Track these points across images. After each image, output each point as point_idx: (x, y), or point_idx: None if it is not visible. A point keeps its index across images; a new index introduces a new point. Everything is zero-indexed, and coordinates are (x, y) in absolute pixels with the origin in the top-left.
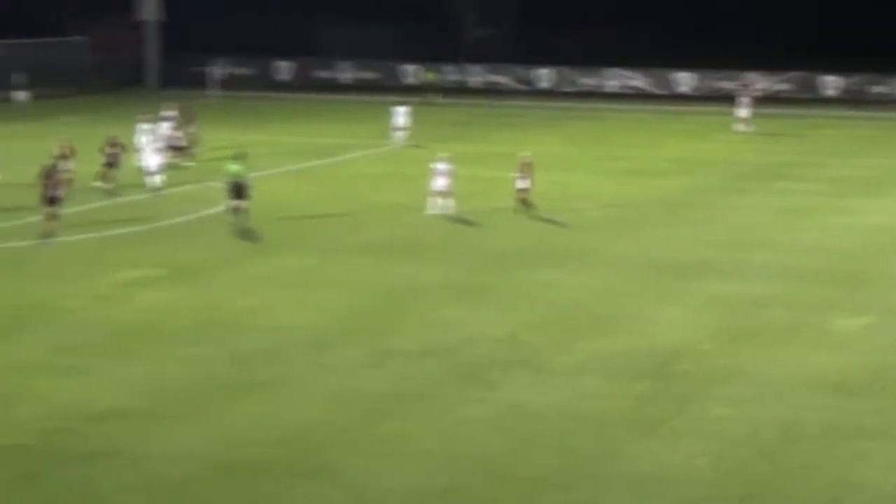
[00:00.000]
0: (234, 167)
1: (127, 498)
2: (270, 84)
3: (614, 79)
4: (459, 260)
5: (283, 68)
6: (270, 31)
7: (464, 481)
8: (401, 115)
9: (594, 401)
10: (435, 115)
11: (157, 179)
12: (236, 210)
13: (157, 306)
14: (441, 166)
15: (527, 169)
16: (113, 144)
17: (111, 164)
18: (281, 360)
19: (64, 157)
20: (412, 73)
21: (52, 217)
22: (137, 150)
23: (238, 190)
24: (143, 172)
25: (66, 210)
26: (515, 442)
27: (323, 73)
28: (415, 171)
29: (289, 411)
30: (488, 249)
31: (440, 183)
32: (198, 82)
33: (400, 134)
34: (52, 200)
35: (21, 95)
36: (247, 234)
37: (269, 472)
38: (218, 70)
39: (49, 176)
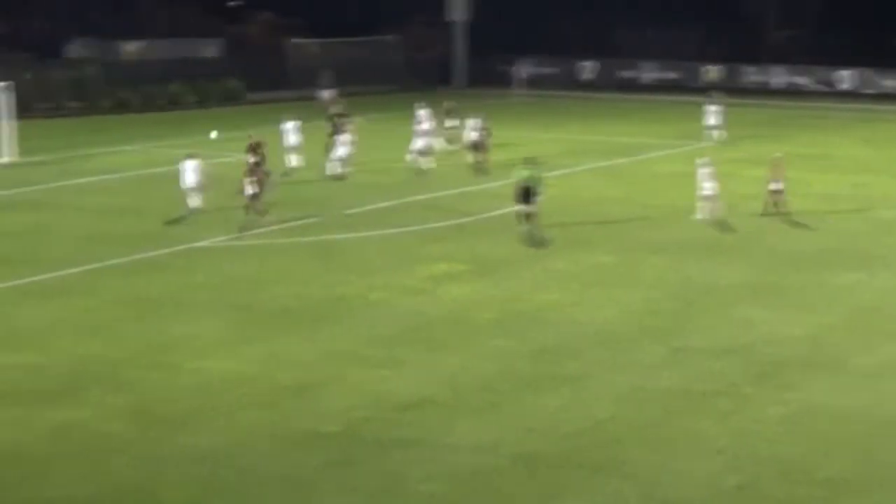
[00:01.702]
0: (524, 172)
1: (430, 486)
2: (573, 84)
3: None
4: (756, 260)
5: (587, 68)
6: (574, 32)
7: (757, 480)
8: (712, 114)
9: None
10: (737, 115)
11: (423, 161)
12: (526, 215)
13: (462, 300)
14: (705, 170)
15: (779, 169)
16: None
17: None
18: (579, 356)
19: (253, 152)
20: (714, 73)
21: (253, 210)
22: (420, 135)
23: (527, 194)
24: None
25: (367, 207)
26: (812, 443)
27: (625, 73)
28: (719, 170)
29: (585, 406)
30: (785, 250)
31: (706, 187)
32: (503, 81)
33: (715, 133)
34: (252, 196)
35: (325, 94)
36: (544, 233)
37: (565, 465)
38: (523, 69)
39: (251, 173)
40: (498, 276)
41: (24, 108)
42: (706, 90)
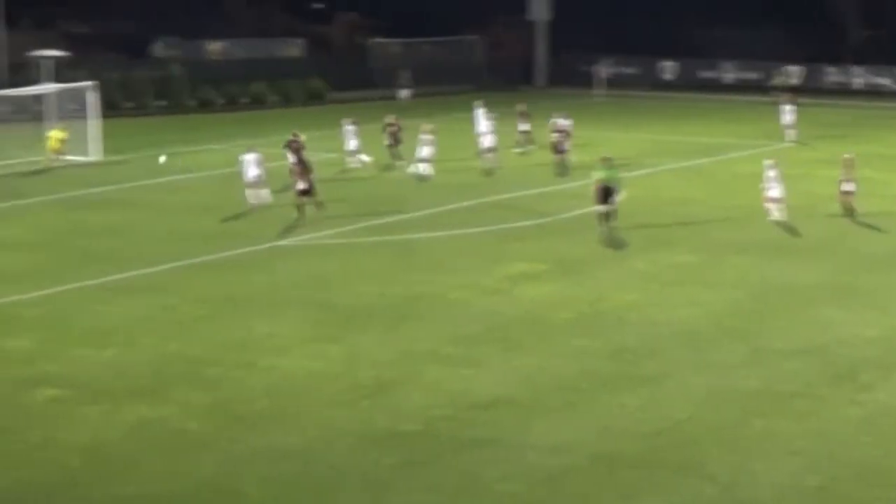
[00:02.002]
0: (602, 172)
1: (508, 486)
2: (655, 83)
3: None
4: (834, 261)
5: (668, 68)
6: (656, 32)
7: (836, 482)
8: (787, 113)
9: None
10: (817, 116)
11: (489, 159)
12: (605, 215)
13: (541, 299)
14: (771, 172)
15: (850, 170)
16: (390, 124)
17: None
18: (659, 356)
19: (295, 149)
20: (796, 73)
21: (304, 206)
22: (479, 135)
23: (606, 194)
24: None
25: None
26: (889, 445)
27: (706, 73)
28: (797, 171)
29: (664, 406)
30: (862, 251)
31: (773, 188)
32: (584, 81)
33: (790, 133)
34: (303, 192)
35: (404, 93)
36: (625, 232)
37: (643, 465)
38: (604, 69)
39: (299, 170)
40: (577, 276)
41: (111, 108)
42: (774, 90)
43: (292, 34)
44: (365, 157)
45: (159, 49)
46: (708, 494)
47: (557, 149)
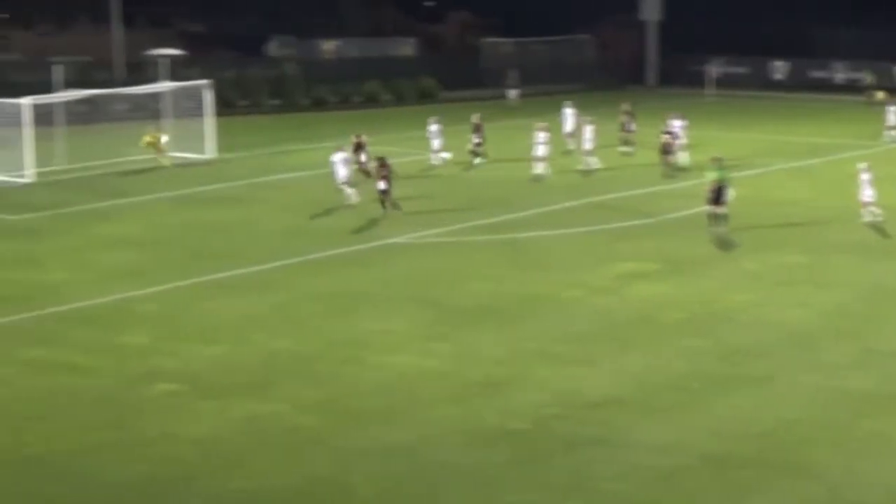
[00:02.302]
0: (714, 173)
1: (617, 485)
2: (765, 83)
3: None
4: None
5: (779, 68)
6: (767, 31)
7: None
8: (892, 114)
9: None
10: None
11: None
12: (716, 216)
13: (652, 299)
14: (865, 176)
15: None
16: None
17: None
18: (769, 356)
19: (359, 148)
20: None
21: (389, 203)
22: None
23: (718, 195)
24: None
25: (557, 206)
26: None
27: (818, 73)
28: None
29: (773, 407)
30: None
31: (866, 193)
32: (694, 81)
33: (893, 133)
34: (383, 192)
35: (512, 93)
36: (735, 232)
37: (752, 465)
38: (714, 69)
39: (382, 168)
40: (687, 276)
41: (226, 106)
42: (866, 90)
43: (405, 33)
44: (445, 155)
45: (274, 48)
46: (817, 495)
47: (666, 150)
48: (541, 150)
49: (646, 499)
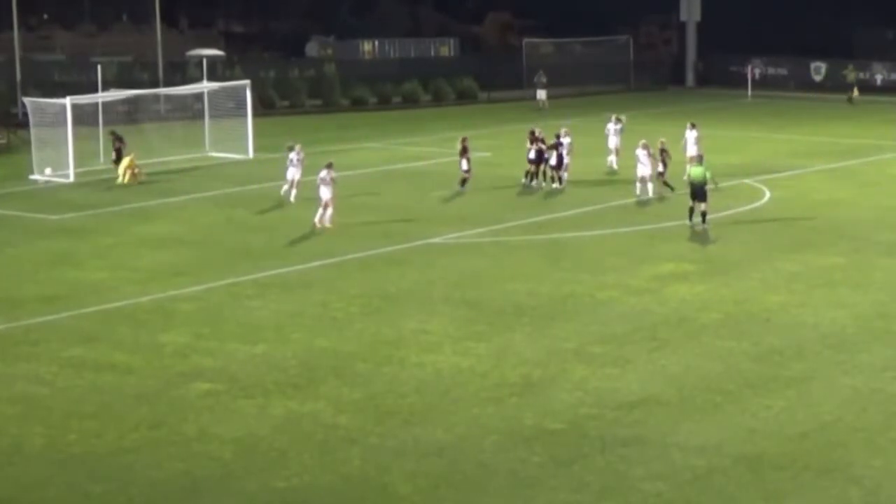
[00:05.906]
0: (696, 170)
1: (654, 486)
2: (805, 84)
3: None
4: None
5: (818, 69)
6: (806, 32)
7: None
8: None
9: None
10: None
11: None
12: (695, 211)
13: (689, 299)
14: None
15: None
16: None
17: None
18: (805, 358)
19: (465, 152)
20: None
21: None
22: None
23: (699, 191)
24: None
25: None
26: None
27: (858, 75)
28: None
29: (809, 409)
30: None
31: None
32: (734, 82)
33: None
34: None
35: (542, 94)
36: (773, 233)
37: (789, 466)
38: (754, 70)
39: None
40: (725, 277)
41: (266, 106)
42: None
43: (444, 34)
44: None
45: (313, 49)
46: (853, 497)
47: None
48: (611, 143)
49: (681, 499)
